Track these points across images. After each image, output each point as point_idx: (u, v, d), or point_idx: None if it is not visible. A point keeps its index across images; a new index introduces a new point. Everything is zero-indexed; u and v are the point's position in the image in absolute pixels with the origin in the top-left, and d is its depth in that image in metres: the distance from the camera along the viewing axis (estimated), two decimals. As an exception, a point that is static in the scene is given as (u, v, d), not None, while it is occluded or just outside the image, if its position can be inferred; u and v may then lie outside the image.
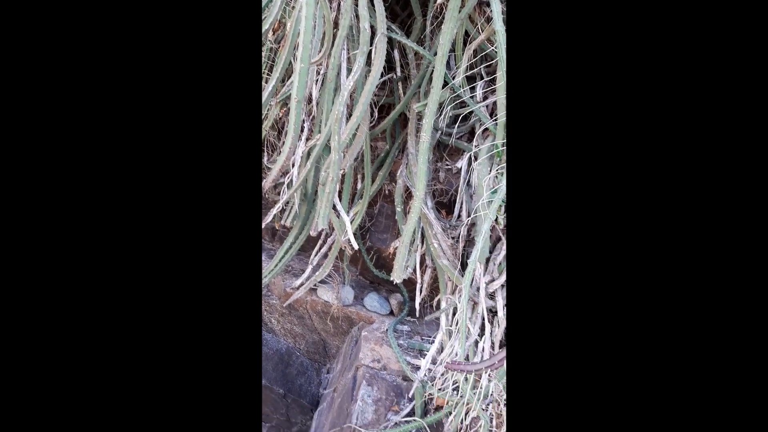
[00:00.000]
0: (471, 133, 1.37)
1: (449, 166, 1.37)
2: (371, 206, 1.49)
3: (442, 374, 0.98)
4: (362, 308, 1.40)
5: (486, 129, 1.22)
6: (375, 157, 1.43)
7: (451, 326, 1.08)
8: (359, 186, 1.39)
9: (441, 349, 1.08)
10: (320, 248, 1.41)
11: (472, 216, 1.25)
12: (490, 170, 1.03)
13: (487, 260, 1.12)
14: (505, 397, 0.86)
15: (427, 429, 0.91)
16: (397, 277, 0.99)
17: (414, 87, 1.28)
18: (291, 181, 1.40)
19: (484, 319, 1.03)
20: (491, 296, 1.10)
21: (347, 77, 1.00)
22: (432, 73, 1.09)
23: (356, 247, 1.05)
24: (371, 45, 1.06)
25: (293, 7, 1.05)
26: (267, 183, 1.29)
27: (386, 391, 1.04)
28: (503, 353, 0.76)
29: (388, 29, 1.22)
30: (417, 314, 1.30)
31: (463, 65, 1.12)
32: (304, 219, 1.22)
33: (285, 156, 0.95)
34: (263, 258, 1.58)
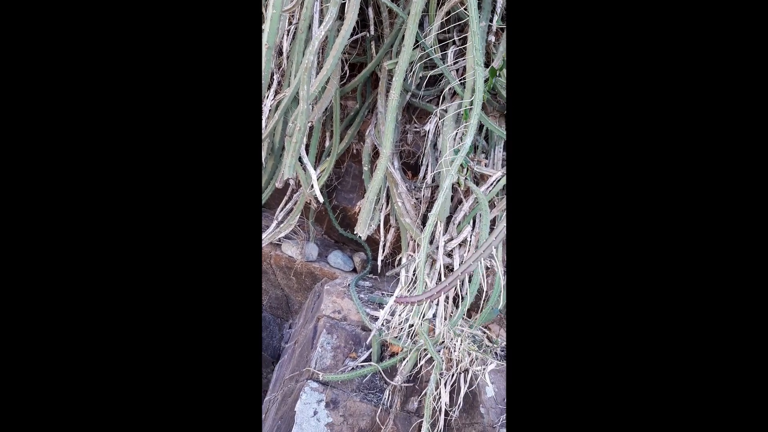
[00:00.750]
0: (439, 97, 1.40)
1: (417, 129, 1.40)
2: (338, 166, 1.50)
3: (399, 324, 1.04)
4: (326, 264, 1.43)
5: (454, 92, 1.25)
6: (344, 115, 1.43)
7: (409, 281, 1.13)
8: (327, 144, 1.39)
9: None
10: (285, 204, 1.42)
11: (435, 177, 1.29)
12: (456, 130, 1.06)
13: (448, 220, 1.17)
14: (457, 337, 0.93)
15: (382, 372, 0.97)
16: (360, 231, 1.02)
17: (386, 46, 1.27)
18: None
19: (441, 274, 1.08)
20: (449, 254, 1.15)
21: (319, 28, 0.99)
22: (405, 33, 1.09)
23: (321, 200, 1.06)
24: (345, -3, 1.05)
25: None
26: None
27: (345, 339, 1.09)
28: (442, 286, 0.81)
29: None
30: (379, 272, 1.35)
31: (435, 24, 1.12)
32: (270, 173, 1.22)
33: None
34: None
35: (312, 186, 1.03)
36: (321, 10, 1.11)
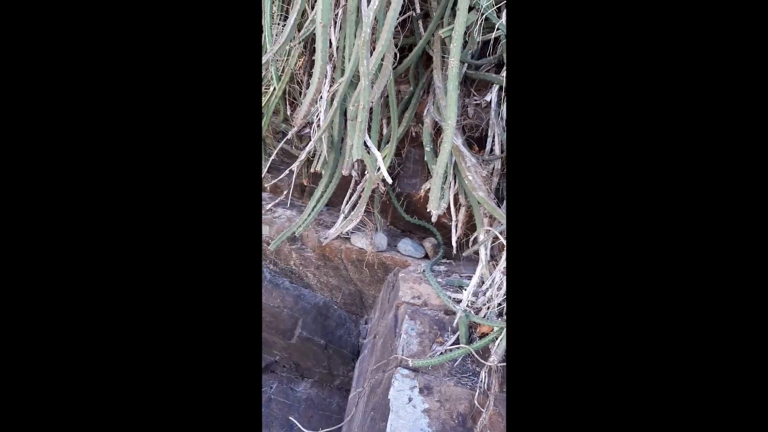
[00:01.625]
0: (498, 65, 1.32)
1: (477, 101, 1.33)
2: (398, 152, 1.46)
3: (485, 303, 0.97)
4: (396, 253, 1.40)
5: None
6: (399, 100, 1.39)
7: (489, 258, 1.06)
8: (385, 131, 1.36)
9: (482, 282, 1.06)
10: (350, 197, 1.40)
11: (504, 147, 1.21)
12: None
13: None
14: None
15: (475, 354, 0.91)
16: (433, 208, 0.97)
17: (436, 19, 1.22)
18: (315, 130, 1.38)
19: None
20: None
21: (368, 6, 0.96)
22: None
23: (390, 181, 1.03)
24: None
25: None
26: (294, 129, 1.28)
27: (429, 325, 1.04)
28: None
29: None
30: (454, 255, 1.28)
31: (489, -14, 1.06)
32: (332, 167, 1.20)
33: (314, 90, 0.93)
34: (293, 213, 1.59)
35: (378, 168, 1.00)
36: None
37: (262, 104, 1.19)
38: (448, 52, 1.17)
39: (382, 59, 0.98)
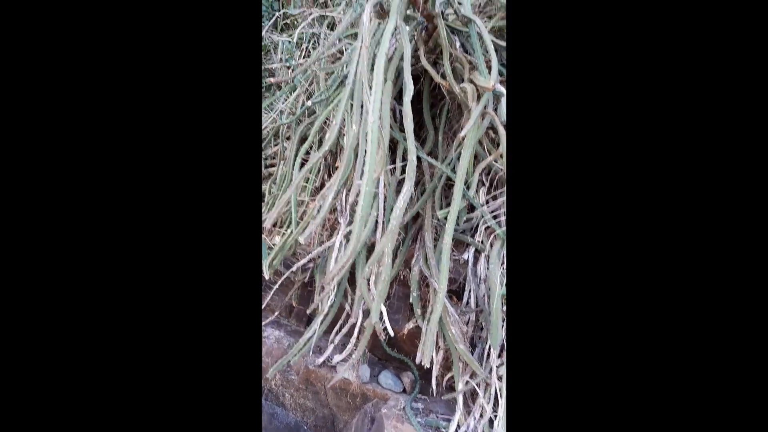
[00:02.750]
0: (474, 228, 1.61)
1: (456, 257, 1.59)
2: (385, 289, 1.66)
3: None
4: (377, 385, 1.52)
5: (489, 228, 1.46)
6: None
7: (467, 406, 1.22)
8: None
9: (458, 427, 1.21)
10: (340, 328, 1.55)
11: (479, 302, 1.44)
12: (501, 267, 1.24)
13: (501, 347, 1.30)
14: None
15: (455, 503, 1.03)
16: (426, 360, 1.14)
17: (429, 192, 1.52)
18: (315, 264, 1.57)
19: (498, 398, 1.18)
20: (500, 378, 1.26)
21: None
22: (451, 186, 1.33)
23: (392, 333, 1.21)
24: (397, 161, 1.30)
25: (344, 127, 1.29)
26: (300, 264, 1.46)
27: (411, 467, 1.15)
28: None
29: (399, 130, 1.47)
30: (432, 392, 1.43)
31: (475, 180, 1.37)
32: (337, 305, 1.37)
33: (336, 253, 1.13)
34: (282, 334, 1.69)
35: (381, 318, 1.18)
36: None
37: (279, 243, 1.37)
38: (436, 215, 1.45)
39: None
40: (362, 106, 1.20)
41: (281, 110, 2.03)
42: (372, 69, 1.11)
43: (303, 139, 1.96)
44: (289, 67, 2.21)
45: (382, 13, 1.35)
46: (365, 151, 1.04)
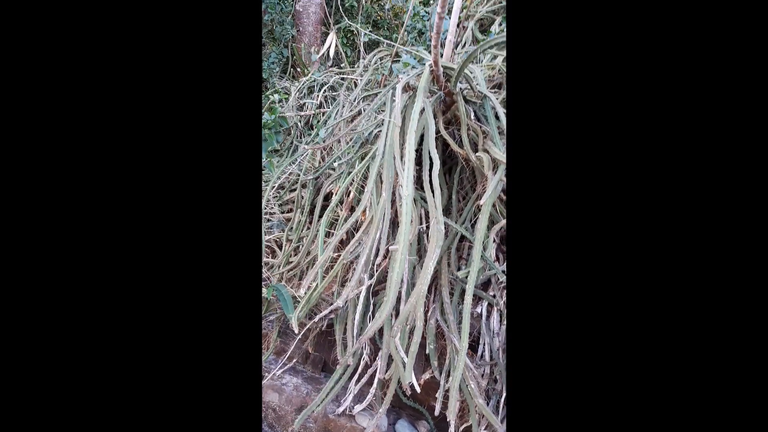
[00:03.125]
0: (486, 283, 1.72)
1: (470, 310, 1.68)
2: (400, 338, 1.74)
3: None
4: (395, 434, 1.58)
5: (501, 282, 1.57)
6: (406, 296, 1.72)
7: (486, 458, 1.30)
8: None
9: (478, 479, 1.28)
10: (360, 377, 1.61)
11: (494, 355, 1.53)
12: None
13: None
14: None
15: None
16: (451, 418, 1.22)
17: (445, 248, 1.62)
18: (336, 315, 1.65)
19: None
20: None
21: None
22: (463, 239, 1.45)
23: (418, 388, 1.28)
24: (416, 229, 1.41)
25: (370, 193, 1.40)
26: (322, 314, 1.54)
27: None
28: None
29: (421, 198, 1.59)
30: (447, 442, 1.50)
31: (490, 241, 1.49)
32: (358, 355, 1.45)
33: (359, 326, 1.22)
34: (299, 381, 1.75)
35: (406, 374, 1.26)
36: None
37: (306, 297, 1.45)
38: (451, 270, 1.56)
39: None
40: (390, 174, 1.32)
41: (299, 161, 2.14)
42: (403, 145, 1.23)
43: (318, 190, 2.07)
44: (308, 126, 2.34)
45: (407, 87, 1.50)
46: (401, 221, 1.14)
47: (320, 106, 2.76)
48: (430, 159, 1.36)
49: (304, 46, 3.51)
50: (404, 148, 1.22)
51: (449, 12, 1.87)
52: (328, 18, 3.70)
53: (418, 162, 1.56)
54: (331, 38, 1.94)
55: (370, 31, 3.64)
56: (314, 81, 2.81)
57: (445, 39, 1.47)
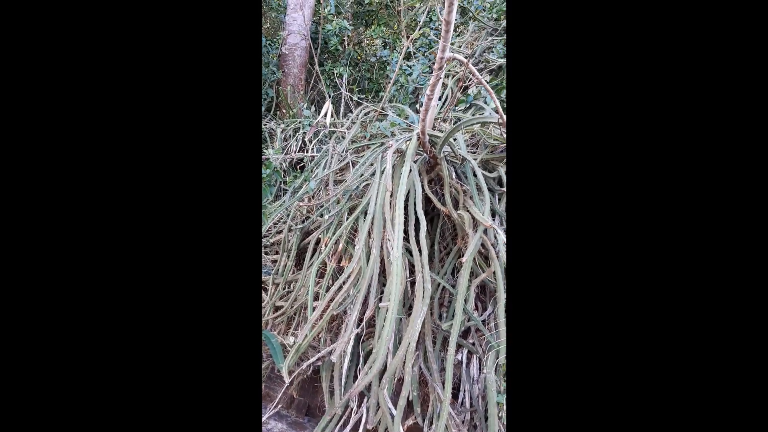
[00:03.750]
0: (466, 331, 1.82)
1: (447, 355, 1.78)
2: (383, 383, 1.81)
3: None
4: (378, 482, 1.63)
5: (479, 331, 1.68)
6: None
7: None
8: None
9: None
10: (344, 424, 1.67)
11: (473, 402, 1.62)
12: (496, 373, 1.44)
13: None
14: None
15: None
16: (434, 466, 1.30)
17: (428, 299, 1.73)
18: (323, 362, 1.71)
19: (494, 499, 1.34)
20: (495, 476, 1.42)
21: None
22: (444, 289, 1.55)
23: (404, 440, 1.35)
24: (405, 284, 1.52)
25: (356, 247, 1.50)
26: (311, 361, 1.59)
27: None
28: None
29: (407, 250, 1.70)
30: (429, 489, 1.56)
31: (471, 295, 1.60)
32: (344, 404, 1.51)
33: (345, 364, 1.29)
34: (285, 426, 1.78)
35: (396, 426, 1.33)
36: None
37: (295, 346, 1.51)
38: (434, 319, 1.65)
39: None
40: (379, 232, 1.42)
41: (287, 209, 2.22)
42: (393, 209, 1.35)
43: (306, 234, 2.15)
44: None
45: (396, 151, 1.62)
46: (391, 280, 1.24)
47: (303, 146, 2.87)
48: (417, 218, 1.48)
49: (290, 88, 3.64)
50: (394, 212, 1.33)
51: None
52: (313, 59, 3.86)
53: (404, 213, 1.68)
54: (327, 106, 2.06)
55: (351, 73, 3.82)
56: (300, 124, 2.93)
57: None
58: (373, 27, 4.11)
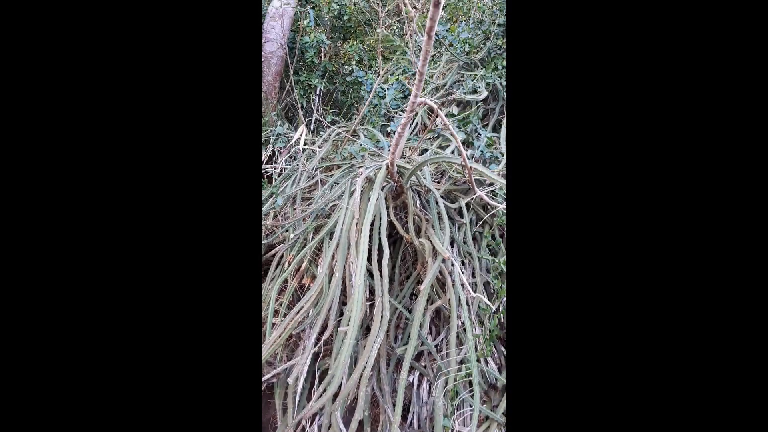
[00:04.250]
0: (419, 354, 1.90)
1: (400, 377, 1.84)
2: (335, 401, 1.85)
3: None
4: (324, 499, 1.66)
5: (431, 354, 1.76)
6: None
7: None
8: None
9: None
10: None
11: (421, 424, 1.69)
12: (444, 398, 1.52)
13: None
14: None
15: None
16: (380, 486, 1.35)
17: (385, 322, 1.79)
18: (278, 380, 1.72)
19: None
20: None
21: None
22: (400, 312, 1.62)
23: (352, 460, 1.40)
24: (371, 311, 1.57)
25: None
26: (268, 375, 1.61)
27: None
28: None
29: (368, 272, 1.76)
30: (373, 507, 1.61)
31: (426, 321, 1.68)
32: (296, 423, 1.54)
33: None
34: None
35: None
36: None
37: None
38: (389, 341, 1.72)
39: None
40: (343, 257, 1.48)
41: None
42: (358, 237, 1.40)
43: (270, 247, 2.16)
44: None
45: (366, 178, 1.68)
46: (352, 307, 1.29)
47: (272, 156, 2.87)
48: (380, 245, 1.55)
49: (264, 94, 3.63)
50: (359, 238, 1.38)
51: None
52: (288, 69, 3.87)
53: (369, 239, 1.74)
54: (302, 130, 2.10)
55: (326, 85, 3.86)
56: (270, 134, 2.93)
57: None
58: (350, 42, 4.19)
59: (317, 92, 3.51)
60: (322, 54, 4.08)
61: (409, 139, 2.02)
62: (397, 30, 4.03)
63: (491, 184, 1.80)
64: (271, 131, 3.05)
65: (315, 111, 3.18)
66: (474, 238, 1.99)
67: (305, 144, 2.21)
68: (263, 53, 3.77)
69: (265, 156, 2.89)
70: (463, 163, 1.36)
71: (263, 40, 3.77)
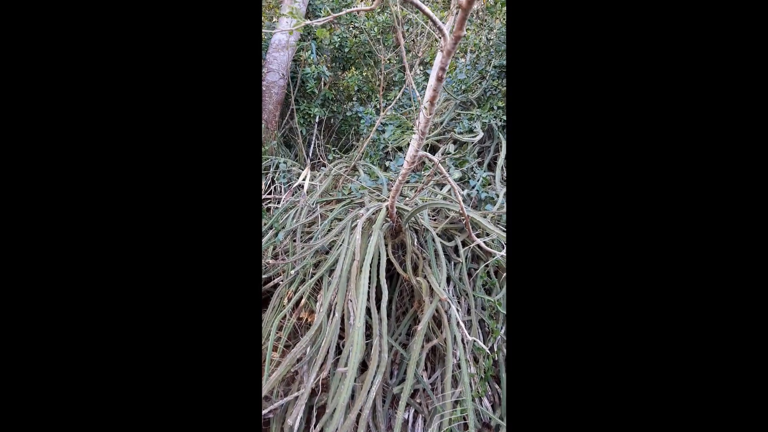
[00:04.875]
0: (415, 391, 1.92)
1: (395, 414, 1.87)
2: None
3: None
4: None
5: (425, 391, 1.78)
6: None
7: None
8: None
9: None
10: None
11: (415, 463, 1.71)
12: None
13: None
14: None
15: None
16: None
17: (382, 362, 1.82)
18: (275, 415, 1.74)
19: None
20: None
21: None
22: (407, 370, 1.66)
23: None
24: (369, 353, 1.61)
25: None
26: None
27: None
28: None
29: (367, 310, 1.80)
30: None
31: (422, 359, 1.71)
32: None
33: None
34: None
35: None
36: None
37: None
38: (385, 378, 1.74)
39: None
40: (343, 296, 1.52)
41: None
42: (358, 278, 1.45)
43: (267, 280, 2.20)
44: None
45: (366, 219, 1.74)
46: (351, 349, 1.33)
47: (270, 185, 2.93)
48: (379, 284, 1.59)
49: (264, 123, 3.71)
50: (359, 280, 1.43)
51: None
52: (289, 98, 3.97)
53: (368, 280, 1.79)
54: (306, 172, 2.16)
55: (325, 113, 3.96)
56: (270, 162, 3.00)
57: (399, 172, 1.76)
58: (350, 72, 4.31)
59: (316, 120, 3.59)
60: (322, 83, 4.19)
61: (407, 182, 2.09)
62: (396, 63, 4.16)
63: (488, 234, 1.87)
64: (271, 160, 3.12)
65: (314, 139, 3.25)
66: (469, 274, 2.04)
67: (311, 189, 2.27)
68: (265, 83, 3.87)
69: (264, 184, 2.95)
70: (461, 212, 1.42)
71: (266, 71, 3.88)
